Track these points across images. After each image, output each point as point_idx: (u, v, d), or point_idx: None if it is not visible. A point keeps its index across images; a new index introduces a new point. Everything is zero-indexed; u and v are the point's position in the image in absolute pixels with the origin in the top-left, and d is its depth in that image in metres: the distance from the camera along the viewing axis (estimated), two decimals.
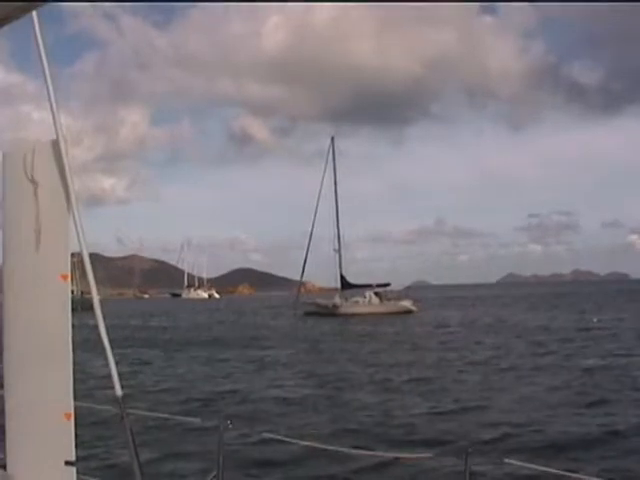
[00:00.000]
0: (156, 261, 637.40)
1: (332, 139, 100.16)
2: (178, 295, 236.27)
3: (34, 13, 5.15)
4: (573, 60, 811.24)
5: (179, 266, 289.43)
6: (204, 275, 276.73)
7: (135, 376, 30.73)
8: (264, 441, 13.43)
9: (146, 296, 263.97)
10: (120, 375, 5.32)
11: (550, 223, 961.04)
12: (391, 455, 9.78)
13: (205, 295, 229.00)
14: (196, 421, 8.47)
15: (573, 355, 38.18)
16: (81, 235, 5.15)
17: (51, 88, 5.28)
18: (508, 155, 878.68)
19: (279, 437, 7.58)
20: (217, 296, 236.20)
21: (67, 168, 5.01)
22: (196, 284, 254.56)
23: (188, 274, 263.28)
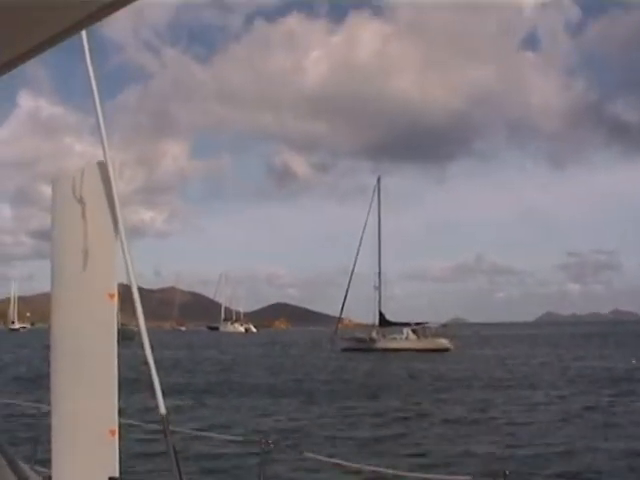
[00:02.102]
0: (193, 294, 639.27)
1: (378, 179, 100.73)
2: (215, 328, 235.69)
3: (84, 39, 5.34)
4: (615, 97, 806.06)
5: (216, 299, 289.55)
6: (241, 309, 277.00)
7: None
8: (305, 461, 13.44)
9: (183, 328, 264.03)
10: (163, 393, 5.42)
11: (590, 262, 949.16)
12: (429, 476, 9.66)
13: (242, 329, 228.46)
14: (238, 439, 8.53)
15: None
16: (127, 256, 5.30)
17: (99, 109, 5.46)
18: (549, 193, 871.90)
19: (320, 457, 7.58)
20: (254, 330, 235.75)
21: (114, 190, 5.14)
22: (233, 318, 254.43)
23: (225, 308, 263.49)
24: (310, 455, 7.47)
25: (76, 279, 5.22)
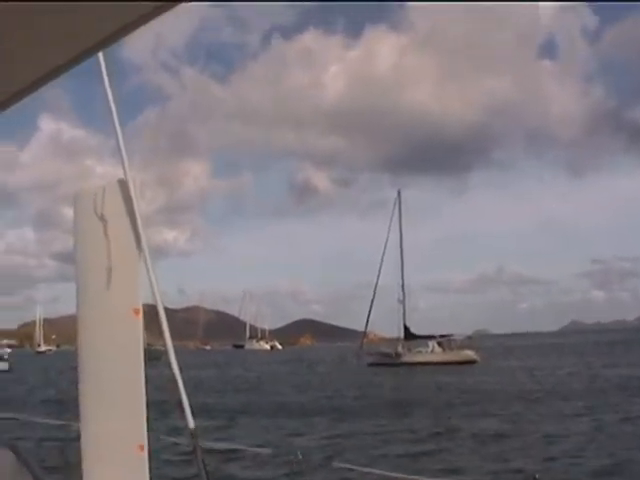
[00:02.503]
0: (217, 312, 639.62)
1: (399, 192, 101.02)
2: (241, 346, 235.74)
3: (102, 61, 5.42)
4: (634, 102, 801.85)
5: (241, 317, 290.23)
6: (266, 326, 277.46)
7: None
8: (335, 471, 13.43)
9: (208, 347, 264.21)
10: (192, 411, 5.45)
11: (613, 269, 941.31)
12: None
13: (267, 346, 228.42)
14: (267, 452, 8.54)
15: None
16: (151, 272, 5.35)
17: (118, 126, 5.53)
18: (569, 201, 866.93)
19: (350, 466, 7.58)
20: (279, 347, 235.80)
21: (136, 207, 5.19)
22: (258, 335, 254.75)
23: (250, 325, 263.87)
24: (339, 465, 7.46)
25: (101, 296, 5.27)
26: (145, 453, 5.15)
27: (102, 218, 5.23)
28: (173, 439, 7.70)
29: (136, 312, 5.13)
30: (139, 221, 5.16)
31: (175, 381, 5.44)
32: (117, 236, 5.21)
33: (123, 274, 5.18)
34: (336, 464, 7.33)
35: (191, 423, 5.42)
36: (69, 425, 7.48)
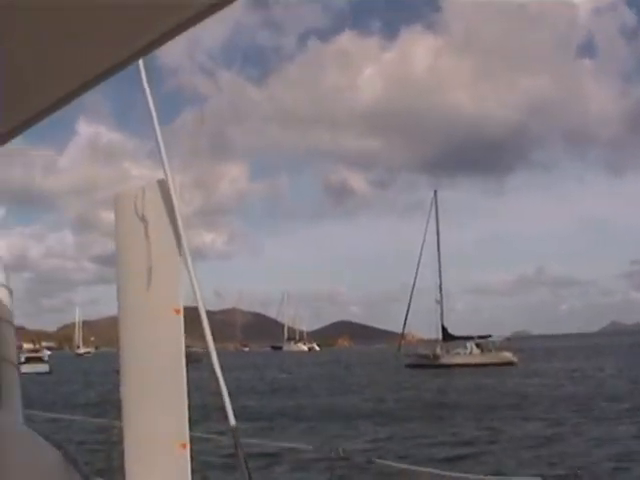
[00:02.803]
0: (255, 314, 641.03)
1: (435, 193, 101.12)
2: (279, 348, 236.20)
3: (141, 66, 5.48)
4: None
5: (278, 319, 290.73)
6: (304, 328, 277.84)
7: None
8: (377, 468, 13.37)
9: (246, 349, 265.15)
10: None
11: None
12: (503, 479, 9.50)
13: (305, 348, 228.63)
14: (308, 449, 8.56)
15: None
16: (192, 272, 5.41)
17: (158, 128, 5.60)
18: (609, 201, 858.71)
19: (392, 463, 7.57)
20: (317, 349, 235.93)
21: (176, 207, 5.24)
22: (296, 337, 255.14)
23: (288, 327, 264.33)
24: (381, 461, 7.45)
25: (142, 297, 5.32)
26: (187, 451, 5.19)
27: (142, 219, 5.27)
28: (214, 436, 7.73)
29: (177, 311, 5.17)
30: (179, 222, 5.21)
31: (217, 380, 5.49)
32: (157, 237, 5.25)
33: (164, 274, 5.23)
34: (379, 460, 7.29)
35: (232, 421, 5.47)
36: (111, 425, 7.54)
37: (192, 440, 5.27)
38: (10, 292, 3.01)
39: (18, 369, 3.00)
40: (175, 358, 5.22)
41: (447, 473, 7.60)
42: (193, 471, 5.24)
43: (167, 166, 5.43)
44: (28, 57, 1.74)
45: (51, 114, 2.21)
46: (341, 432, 31.50)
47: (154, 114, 5.66)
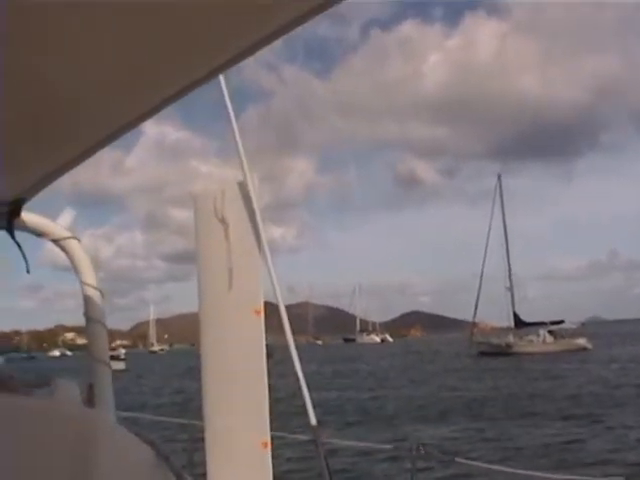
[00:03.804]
0: (327, 307, 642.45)
1: (499, 177, 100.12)
2: (352, 340, 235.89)
3: (222, 80, 5.59)
4: None
5: (350, 311, 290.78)
6: (375, 319, 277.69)
7: None
8: (458, 467, 13.32)
9: (319, 342, 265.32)
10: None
11: None
12: (583, 479, 9.33)
13: (378, 339, 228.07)
14: (389, 448, 8.58)
15: None
16: (272, 272, 5.47)
17: (236, 130, 5.69)
18: None
19: (472, 462, 7.55)
20: (390, 340, 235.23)
21: (256, 208, 5.29)
22: (369, 328, 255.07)
23: (360, 319, 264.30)
24: (461, 460, 7.43)
25: (222, 297, 5.38)
26: (268, 450, 5.25)
27: (222, 220, 5.34)
28: (296, 436, 7.76)
29: (257, 312, 5.23)
30: (260, 223, 5.26)
31: (297, 378, 5.53)
32: (237, 237, 5.32)
33: (244, 275, 5.28)
34: (459, 459, 7.26)
35: (313, 420, 5.51)
36: (193, 424, 7.64)
37: (273, 439, 5.33)
38: (102, 294, 3.08)
39: (110, 369, 3.08)
40: (256, 358, 5.27)
41: (526, 472, 7.56)
42: (274, 469, 5.30)
43: (246, 168, 5.50)
44: (103, 73, 1.77)
45: (136, 127, 2.25)
46: (422, 424, 30.74)
47: (236, 128, 5.76)
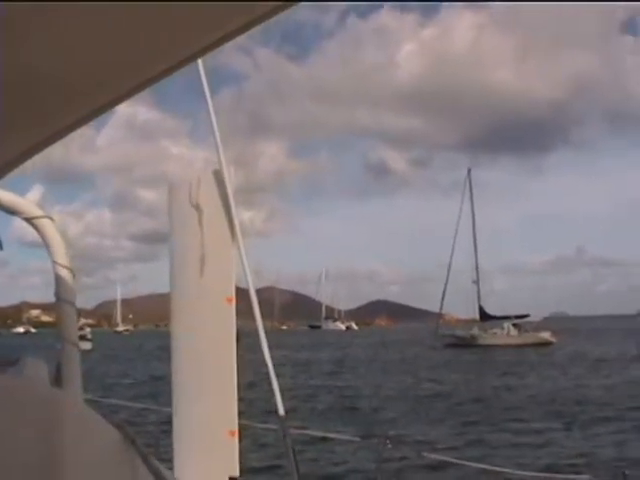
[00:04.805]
0: (293, 293, 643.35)
1: (469, 171, 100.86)
2: (317, 327, 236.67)
3: (200, 66, 5.57)
4: None
5: (316, 298, 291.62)
6: (341, 307, 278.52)
7: None
8: (423, 461, 13.34)
9: (284, 327, 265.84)
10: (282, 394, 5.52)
11: None
12: (549, 475, 9.30)
13: (343, 327, 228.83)
14: (355, 440, 8.62)
15: None
16: (245, 261, 5.45)
17: (214, 120, 5.67)
18: None
19: (439, 457, 7.59)
20: (355, 328, 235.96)
21: (231, 197, 5.28)
22: (335, 316, 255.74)
23: (326, 306, 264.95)
24: (428, 455, 7.47)
25: (195, 284, 5.38)
26: (236, 439, 5.24)
27: (197, 207, 5.33)
28: (262, 425, 7.77)
29: (229, 300, 5.22)
30: (234, 211, 5.25)
31: (267, 369, 5.53)
32: (211, 225, 5.31)
33: (217, 263, 5.28)
34: (425, 454, 7.29)
35: (281, 410, 5.50)
36: (160, 409, 7.63)
37: (241, 428, 5.33)
38: (73, 274, 3.06)
39: (79, 350, 3.05)
40: (226, 347, 5.27)
41: (494, 468, 7.60)
42: (241, 458, 5.29)
43: (222, 157, 5.48)
44: (83, 56, 1.75)
45: (103, 113, 2.23)
46: (390, 415, 30.27)
47: (213, 116, 5.75)
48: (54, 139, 2.43)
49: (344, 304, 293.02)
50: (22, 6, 1.42)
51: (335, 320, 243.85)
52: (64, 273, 3.02)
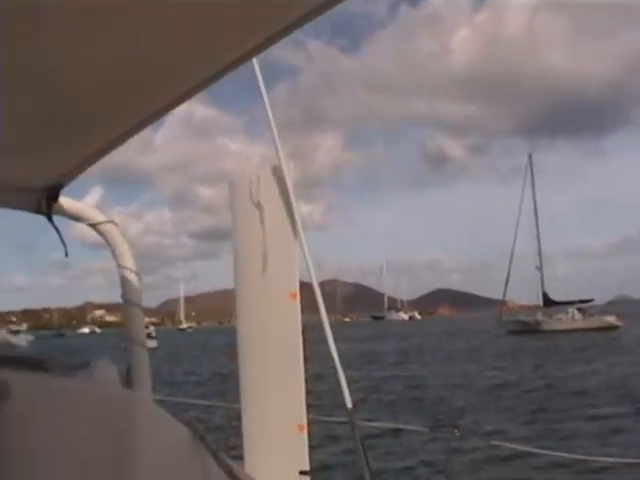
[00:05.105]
0: (355, 285, 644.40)
1: (530, 156, 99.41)
2: (381, 318, 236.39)
3: (255, 64, 5.58)
4: None
5: (378, 289, 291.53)
6: (404, 297, 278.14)
7: None
8: (493, 451, 13.28)
9: (347, 320, 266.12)
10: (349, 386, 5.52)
11: None
12: (623, 461, 9.09)
13: (406, 317, 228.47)
14: (424, 431, 8.60)
15: None
16: (308, 256, 5.46)
17: (271, 116, 5.68)
18: None
19: (509, 445, 7.52)
20: (418, 317, 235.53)
21: (291, 193, 5.30)
22: (397, 306, 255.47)
23: (388, 297, 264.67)
24: (498, 443, 7.41)
25: (258, 281, 5.42)
26: (305, 433, 5.26)
27: (258, 205, 5.37)
28: (331, 418, 7.76)
29: (293, 296, 5.24)
30: (294, 206, 5.28)
31: (333, 362, 5.53)
32: (273, 221, 5.34)
33: (280, 259, 5.32)
34: (495, 442, 7.23)
35: (349, 402, 5.50)
36: (229, 406, 7.65)
37: (310, 422, 5.34)
38: (139, 277, 3.09)
39: (147, 351, 3.10)
40: (292, 342, 5.30)
41: (567, 455, 7.53)
42: (310, 452, 5.31)
43: (281, 153, 5.50)
44: (143, 59, 1.77)
45: (165, 115, 2.24)
46: (461, 404, 29.73)
47: (270, 113, 5.76)
48: (118, 142, 2.45)
49: (406, 294, 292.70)
50: (90, 12, 1.44)
51: (398, 310, 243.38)
52: (130, 276, 3.05)
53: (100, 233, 3.09)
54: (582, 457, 7.68)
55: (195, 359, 69.29)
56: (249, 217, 5.43)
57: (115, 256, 3.08)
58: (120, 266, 3.07)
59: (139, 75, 1.86)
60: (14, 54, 1.62)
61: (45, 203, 2.92)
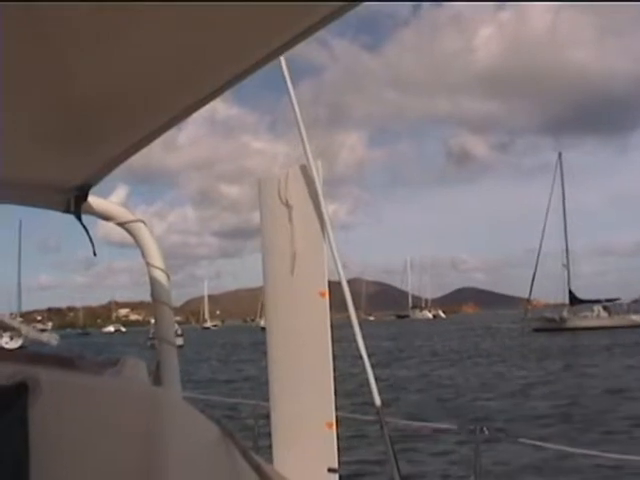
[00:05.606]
0: (379, 283, 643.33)
1: (559, 155, 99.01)
2: (405, 316, 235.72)
3: (283, 62, 5.58)
4: None
5: (402, 287, 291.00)
6: (428, 295, 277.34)
7: None
8: (522, 449, 13.17)
9: (371, 318, 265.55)
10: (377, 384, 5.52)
11: None
12: None
13: (430, 315, 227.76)
14: (453, 429, 8.57)
15: None
16: (336, 256, 5.46)
17: (299, 115, 5.68)
18: None
19: (536, 442, 7.47)
20: (443, 316, 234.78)
21: (320, 192, 5.30)
22: (421, 305, 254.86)
23: (412, 295, 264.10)
24: (525, 440, 7.36)
25: (287, 279, 5.44)
26: (334, 430, 5.27)
27: (286, 204, 5.38)
28: (360, 416, 7.74)
29: (322, 294, 5.25)
30: (323, 205, 5.28)
31: (362, 360, 5.53)
32: (301, 220, 5.36)
33: (309, 258, 5.33)
34: (523, 440, 7.17)
35: (377, 400, 5.50)
36: (258, 404, 7.65)
37: (338, 419, 5.35)
38: (168, 276, 3.10)
39: (176, 349, 3.10)
40: (321, 340, 5.31)
41: (595, 453, 7.46)
42: (339, 450, 5.31)
43: (309, 152, 5.50)
44: (170, 58, 1.77)
45: (191, 114, 2.25)
46: (488, 403, 29.14)
47: (297, 108, 5.76)
48: (146, 142, 2.46)
49: (430, 292, 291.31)
50: (120, 10, 1.44)
51: (422, 309, 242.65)
52: (159, 275, 3.06)
53: (129, 232, 3.10)
54: (617, 456, 7.58)
55: (221, 356, 69.30)
56: (278, 216, 5.45)
57: (144, 255, 3.09)
58: (149, 265, 3.08)
59: (167, 75, 1.87)
60: (44, 54, 1.63)
61: (74, 202, 2.93)
